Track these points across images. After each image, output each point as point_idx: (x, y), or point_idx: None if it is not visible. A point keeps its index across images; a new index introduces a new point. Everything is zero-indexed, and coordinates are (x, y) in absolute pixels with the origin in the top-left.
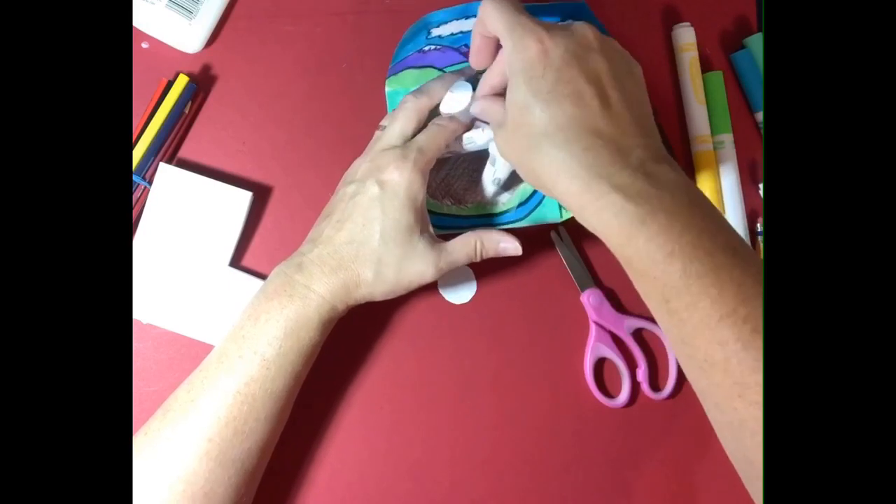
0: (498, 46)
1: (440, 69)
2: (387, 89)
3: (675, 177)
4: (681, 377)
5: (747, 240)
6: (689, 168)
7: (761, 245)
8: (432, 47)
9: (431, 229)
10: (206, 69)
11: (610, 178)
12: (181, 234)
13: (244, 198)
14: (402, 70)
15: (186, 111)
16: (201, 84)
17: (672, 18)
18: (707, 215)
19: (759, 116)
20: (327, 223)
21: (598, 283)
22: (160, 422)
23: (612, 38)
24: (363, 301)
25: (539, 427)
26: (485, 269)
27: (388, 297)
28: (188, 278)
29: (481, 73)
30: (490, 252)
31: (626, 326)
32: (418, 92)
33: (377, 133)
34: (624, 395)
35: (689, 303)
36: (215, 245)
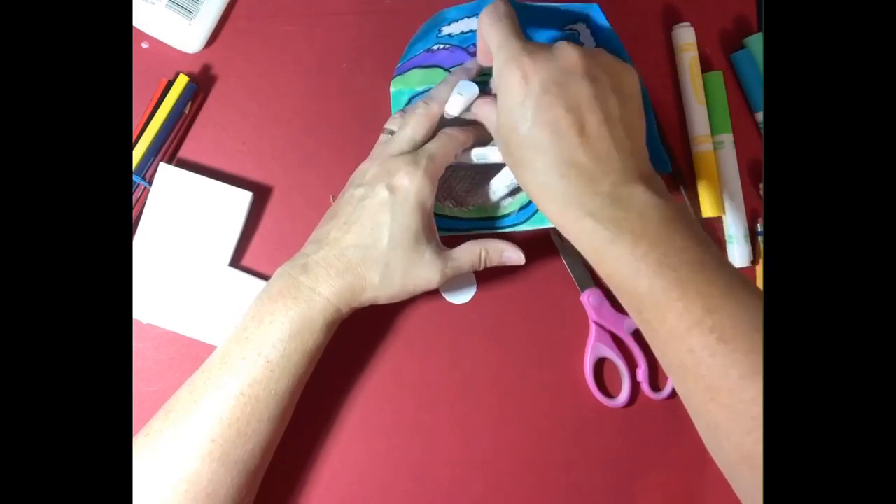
0: None
1: (447, 69)
2: (391, 89)
3: (647, 198)
4: None
5: (747, 240)
6: (689, 168)
7: (761, 245)
8: (441, 46)
9: (438, 237)
10: (206, 69)
11: (582, 205)
12: (181, 233)
13: (244, 198)
14: (409, 70)
15: (186, 111)
16: (201, 84)
17: (672, 18)
18: (676, 231)
19: (759, 116)
20: (334, 224)
21: (598, 283)
22: (162, 422)
23: (601, 52)
24: (367, 304)
25: (539, 427)
26: (485, 270)
27: (393, 301)
28: (188, 278)
29: (486, 72)
30: (494, 260)
31: (626, 326)
32: (429, 99)
33: (383, 136)
34: (624, 395)
35: (658, 315)
36: (215, 245)
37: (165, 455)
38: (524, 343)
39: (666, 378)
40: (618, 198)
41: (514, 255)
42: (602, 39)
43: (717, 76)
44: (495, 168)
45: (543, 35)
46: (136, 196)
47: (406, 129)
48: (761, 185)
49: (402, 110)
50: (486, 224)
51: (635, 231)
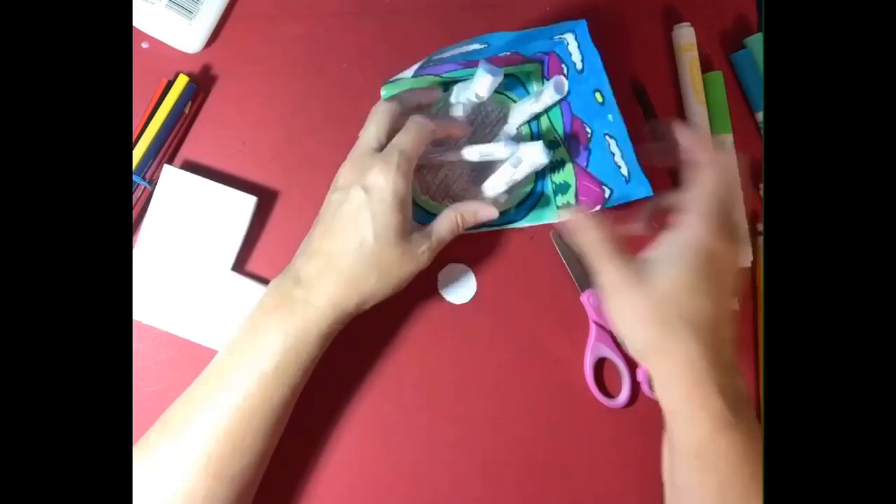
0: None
1: (440, 75)
2: (383, 93)
3: (745, 388)
4: None
5: (747, 240)
6: None
7: (761, 245)
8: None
9: (412, 218)
10: (206, 69)
11: (720, 383)
12: (184, 236)
13: (248, 202)
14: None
15: (186, 111)
16: (201, 84)
17: (672, 18)
18: (759, 428)
19: (759, 116)
20: (318, 233)
21: None
22: (159, 434)
23: (745, 243)
24: (368, 307)
25: (539, 427)
26: (485, 269)
27: (394, 293)
28: (190, 281)
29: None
30: (470, 222)
31: None
32: (390, 98)
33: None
34: (624, 395)
35: (744, 495)
36: (218, 249)
37: (162, 469)
38: (524, 343)
39: None
40: (739, 385)
41: (485, 212)
42: (586, 52)
43: (717, 76)
44: (491, 166)
45: (535, 46)
46: (136, 196)
47: (370, 127)
48: (761, 185)
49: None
50: (486, 222)
51: (749, 420)
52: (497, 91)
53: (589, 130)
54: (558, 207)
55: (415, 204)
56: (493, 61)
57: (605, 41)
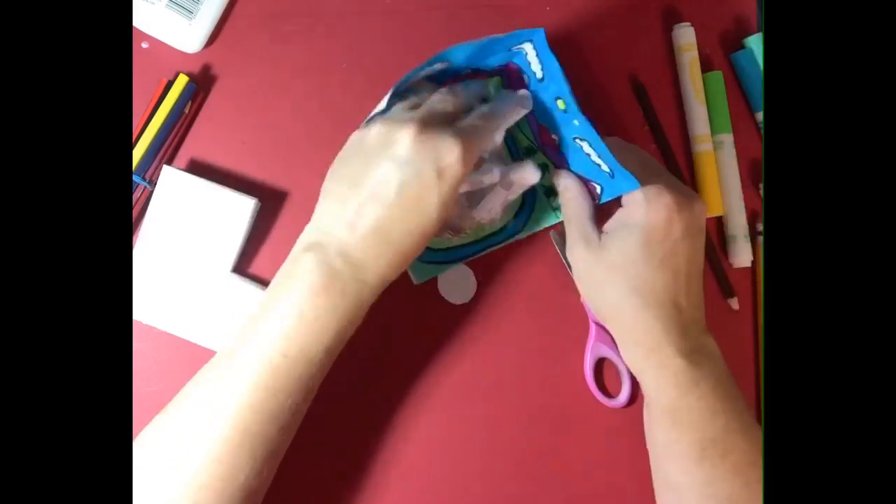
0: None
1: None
2: None
3: (715, 348)
4: None
5: (747, 240)
6: (690, 168)
7: (761, 245)
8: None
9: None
10: (206, 69)
11: (678, 344)
12: (184, 237)
13: (248, 204)
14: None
15: (186, 111)
16: (201, 84)
17: (672, 18)
18: (733, 382)
19: (759, 116)
20: (368, 202)
21: None
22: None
23: (698, 202)
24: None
25: (539, 427)
26: (485, 269)
27: None
28: (190, 283)
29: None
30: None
31: None
32: (490, 106)
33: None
34: (624, 395)
35: (724, 451)
36: (218, 250)
37: (164, 468)
38: (524, 343)
39: None
40: (703, 343)
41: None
42: (545, 60)
43: (717, 76)
44: (483, 190)
45: (495, 59)
46: (135, 196)
47: (458, 93)
48: (761, 185)
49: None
50: (488, 242)
51: (716, 376)
52: None
53: (555, 137)
54: (554, 209)
55: None
56: (459, 80)
57: (605, 41)
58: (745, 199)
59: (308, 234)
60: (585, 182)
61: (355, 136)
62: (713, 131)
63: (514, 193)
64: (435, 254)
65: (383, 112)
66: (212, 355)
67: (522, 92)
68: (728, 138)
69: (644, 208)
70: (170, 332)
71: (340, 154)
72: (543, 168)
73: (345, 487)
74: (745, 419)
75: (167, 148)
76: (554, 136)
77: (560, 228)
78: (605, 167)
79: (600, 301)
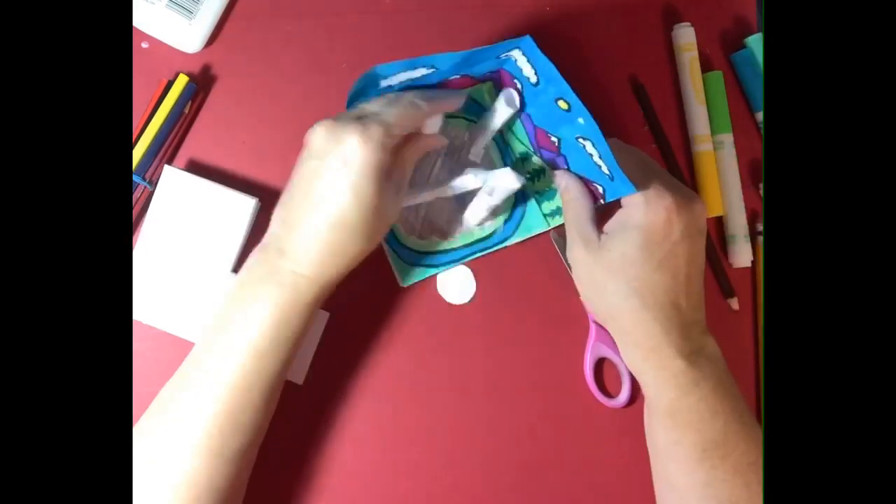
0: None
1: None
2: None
3: (716, 349)
4: None
5: (747, 240)
6: (690, 168)
7: (761, 245)
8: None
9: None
10: (206, 69)
11: (678, 345)
12: (184, 237)
13: (248, 204)
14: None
15: (186, 111)
16: (201, 84)
17: (672, 18)
18: (733, 383)
19: (759, 116)
20: (297, 201)
21: None
22: (155, 419)
23: (698, 203)
24: (355, 266)
25: (538, 427)
26: (484, 269)
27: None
28: (190, 282)
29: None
30: (423, 149)
31: None
32: (419, 92)
33: None
34: (624, 395)
35: (725, 453)
36: (218, 250)
37: (162, 454)
38: (524, 343)
39: None
40: (703, 344)
41: (438, 141)
42: (538, 64)
43: (717, 76)
44: (471, 193)
45: (482, 66)
46: (135, 196)
47: (371, 103)
48: (761, 185)
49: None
50: (478, 247)
51: (716, 377)
52: (457, 115)
53: (555, 139)
54: (545, 215)
55: (403, 246)
56: (448, 85)
57: (605, 41)
58: (745, 199)
59: (263, 239)
60: (587, 182)
61: None
62: (713, 131)
63: (498, 199)
64: (421, 257)
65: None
66: None
67: (460, 91)
68: (728, 138)
69: (643, 209)
70: (170, 332)
71: None
72: (537, 174)
73: (342, 487)
74: (746, 420)
75: (167, 148)
76: (553, 139)
77: (560, 229)
78: (605, 168)
79: (600, 302)
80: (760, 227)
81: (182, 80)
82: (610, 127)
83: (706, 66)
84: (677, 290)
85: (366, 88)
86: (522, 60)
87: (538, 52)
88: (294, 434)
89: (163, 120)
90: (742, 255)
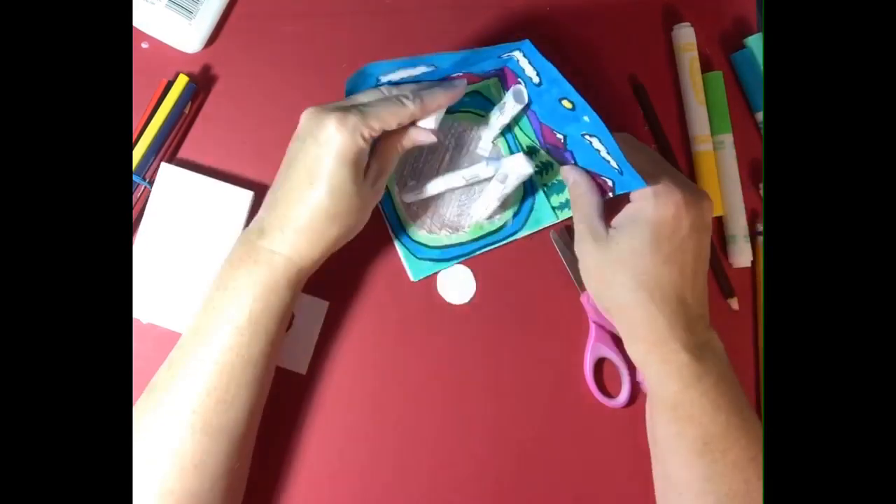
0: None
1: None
2: None
3: (719, 344)
4: None
5: (747, 240)
6: (690, 168)
7: (761, 245)
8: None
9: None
10: (206, 69)
11: (683, 339)
12: (183, 233)
13: (245, 197)
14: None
15: (186, 111)
16: (201, 84)
17: (672, 18)
18: (736, 379)
19: (759, 116)
20: (279, 183)
21: None
22: (145, 401)
23: (705, 200)
24: (336, 249)
25: (539, 427)
26: (484, 269)
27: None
28: (189, 278)
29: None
30: (408, 146)
31: None
32: (417, 89)
33: None
34: (624, 395)
35: (725, 447)
36: (216, 245)
37: (151, 432)
38: (524, 343)
39: None
40: (707, 339)
41: (422, 136)
42: (539, 66)
43: (717, 76)
44: (480, 186)
45: (484, 65)
46: (136, 196)
47: (360, 96)
48: (761, 185)
49: None
50: (487, 241)
51: (719, 372)
52: (464, 109)
53: (560, 136)
54: (554, 208)
55: (413, 241)
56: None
57: (605, 41)
58: (745, 199)
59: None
60: (595, 176)
61: None
62: (713, 131)
63: (510, 187)
64: (432, 251)
65: None
66: None
67: (458, 81)
68: (728, 138)
69: (653, 204)
70: (170, 328)
71: None
72: (545, 167)
73: (342, 486)
74: (748, 416)
75: (167, 148)
76: (559, 136)
77: (560, 228)
78: (613, 163)
79: (606, 295)
80: (760, 227)
81: (182, 81)
82: (610, 127)
83: (706, 67)
84: (684, 284)
85: (360, 86)
86: (524, 62)
87: (538, 54)
88: (292, 433)
89: (163, 120)
90: (742, 255)
